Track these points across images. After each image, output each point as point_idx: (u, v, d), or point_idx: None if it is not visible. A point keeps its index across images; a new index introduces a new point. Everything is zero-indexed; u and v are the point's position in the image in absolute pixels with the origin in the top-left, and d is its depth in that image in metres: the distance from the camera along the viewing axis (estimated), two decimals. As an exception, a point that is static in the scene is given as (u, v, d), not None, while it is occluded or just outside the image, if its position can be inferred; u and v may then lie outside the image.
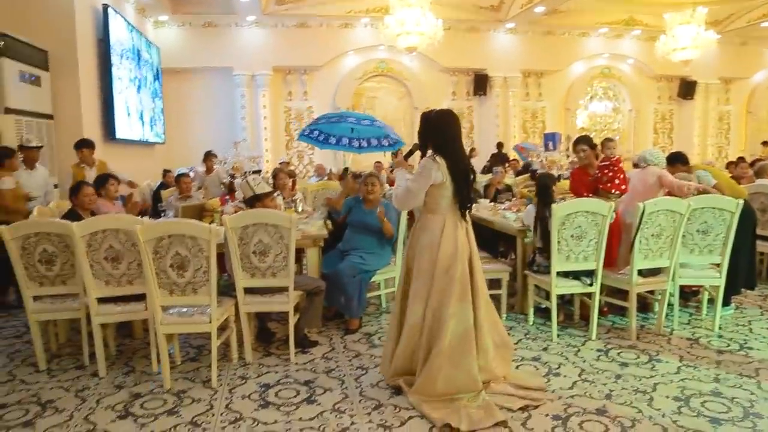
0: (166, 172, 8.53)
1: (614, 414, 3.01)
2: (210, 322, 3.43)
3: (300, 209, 5.45)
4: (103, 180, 4.95)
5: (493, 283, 4.35)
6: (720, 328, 4.35)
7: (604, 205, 4.00)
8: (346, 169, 7.18)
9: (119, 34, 8.95)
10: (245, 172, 5.45)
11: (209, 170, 8.19)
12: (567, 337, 4.19)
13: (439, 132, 3.15)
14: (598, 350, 3.94)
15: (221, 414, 3.09)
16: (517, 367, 3.64)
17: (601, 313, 4.37)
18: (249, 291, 3.78)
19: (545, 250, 4.22)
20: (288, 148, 13.03)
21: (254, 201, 4.00)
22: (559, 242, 3.99)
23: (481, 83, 13.73)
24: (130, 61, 9.51)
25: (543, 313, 4.51)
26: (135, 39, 9.80)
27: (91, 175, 5.94)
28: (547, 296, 4.22)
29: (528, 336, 4.25)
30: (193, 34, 11.98)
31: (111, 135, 8.49)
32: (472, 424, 2.85)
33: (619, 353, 3.89)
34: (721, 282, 4.31)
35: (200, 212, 4.93)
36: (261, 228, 3.61)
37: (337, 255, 4.62)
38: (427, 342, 3.13)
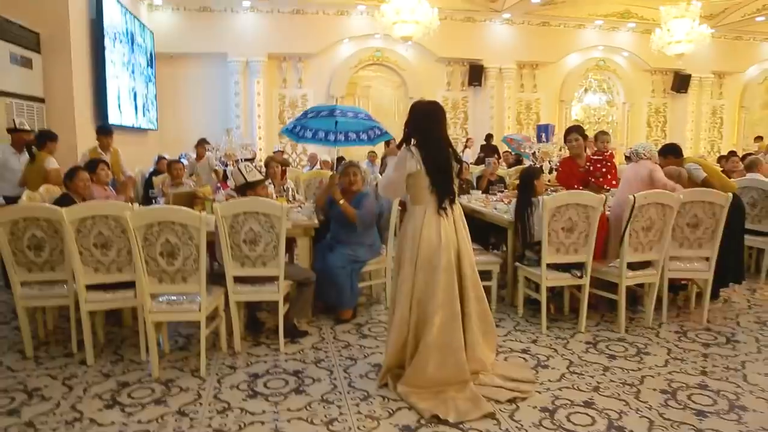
0: (160, 158, 8.47)
1: (601, 406, 3.03)
2: (199, 310, 3.42)
3: (292, 198, 5.43)
4: (94, 165, 4.91)
5: (484, 275, 4.33)
6: (708, 322, 4.38)
7: (595, 198, 4.00)
8: (340, 158, 7.14)
9: (113, 17, 8.83)
10: (237, 160, 5.40)
11: (200, 157, 8.14)
12: (556, 330, 4.21)
13: (417, 123, 3.16)
14: (587, 343, 3.97)
15: (209, 404, 3.09)
16: (505, 359, 3.66)
17: (592, 307, 4.38)
18: (239, 280, 3.76)
19: (524, 242, 4.26)
20: (281, 136, 12.96)
21: (246, 189, 3.98)
22: (549, 234, 4.00)
23: (476, 74, 13.69)
24: (123, 45, 9.39)
25: (533, 304, 4.53)
26: (129, 22, 9.69)
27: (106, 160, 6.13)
28: (537, 288, 4.24)
29: (517, 328, 4.27)
30: (188, 19, 11.85)
31: (103, 119, 8.40)
32: (459, 415, 2.86)
33: (607, 346, 3.91)
34: (710, 276, 4.34)
35: (191, 199, 4.89)
36: (252, 216, 3.58)
37: (326, 247, 4.58)
38: (414, 335, 3.14)
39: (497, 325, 3.96)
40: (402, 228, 3.27)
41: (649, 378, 3.39)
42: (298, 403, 3.09)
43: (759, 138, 13.88)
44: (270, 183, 5.20)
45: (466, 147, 12.53)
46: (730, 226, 4.38)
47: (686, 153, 13.80)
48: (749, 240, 5.62)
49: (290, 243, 4.68)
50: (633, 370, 3.50)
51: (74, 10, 7.64)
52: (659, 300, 4.39)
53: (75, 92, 7.60)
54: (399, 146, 3.33)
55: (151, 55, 11.18)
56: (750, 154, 7.75)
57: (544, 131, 10.66)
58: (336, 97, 12.69)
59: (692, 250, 4.34)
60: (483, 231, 5.20)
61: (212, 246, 3.83)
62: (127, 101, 9.61)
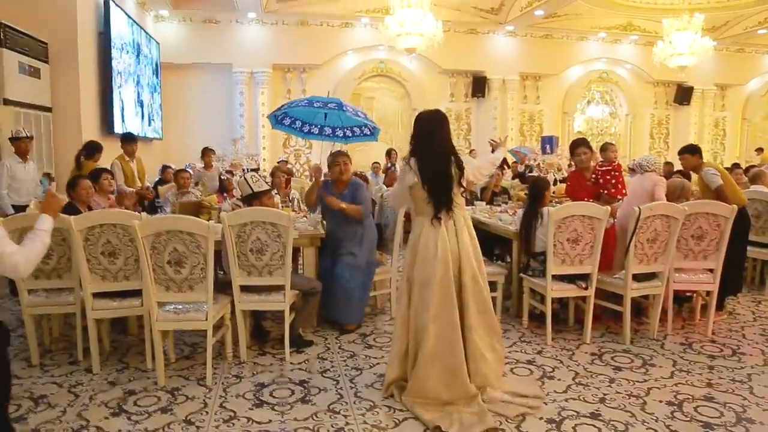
0: (165, 167, 8.51)
1: (608, 418, 3.02)
2: (206, 319, 3.43)
3: (296, 208, 5.45)
4: (97, 174, 4.94)
5: (488, 286, 4.35)
6: (713, 334, 4.37)
7: (600, 209, 4.02)
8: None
9: (120, 27, 8.91)
10: (243, 170, 5.43)
11: (208, 166, 8.17)
12: (561, 341, 4.21)
13: (417, 133, 3.18)
14: (592, 354, 3.96)
15: (215, 412, 3.09)
16: (511, 370, 3.66)
17: (596, 318, 4.38)
18: (245, 289, 3.77)
19: (528, 252, 4.27)
20: (285, 146, 13.01)
21: (252, 199, 4.00)
22: (555, 245, 4.01)
23: (479, 85, 13.74)
24: (129, 56, 9.47)
25: (537, 316, 4.53)
26: (135, 33, 9.77)
27: (132, 167, 6.75)
28: (542, 299, 4.24)
29: (523, 339, 4.26)
30: (194, 30, 11.94)
31: (109, 129, 8.46)
32: (463, 428, 2.85)
33: (613, 357, 3.90)
34: (715, 287, 4.34)
35: (197, 208, 4.92)
36: (259, 226, 3.60)
37: (327, 257, 4.52)
38: (413, 346, 3.15)
39: (502, 336, 3.95)
40: (408, 240, 3.30)
41: (655, 390, 3.39)
42: (305, 412, 3.09)
43: (759, 150, 13.91)
44: (276, 193, 5.22)
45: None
46: (736, 238, 4.38)
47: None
48: (754, 252, 5.63)
49: (295, 253, 4.69)
50: (639, 382, 3.49)
51: (82, 21, 7.71)
52: (664, 311, 4.39)
53: (82, 102, 7.65)
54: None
55: (156, 65, 11.26)
56: (753, 167, 7.76)
57: (548, 143, 10.67)
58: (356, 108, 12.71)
59: (697, 261, 4.34)
60: (487, 242, 5.20)
61: (217, 255, 3.84)
62: (132, 111, 9.67)
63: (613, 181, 4.47)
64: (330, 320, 4.52)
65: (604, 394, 3.31)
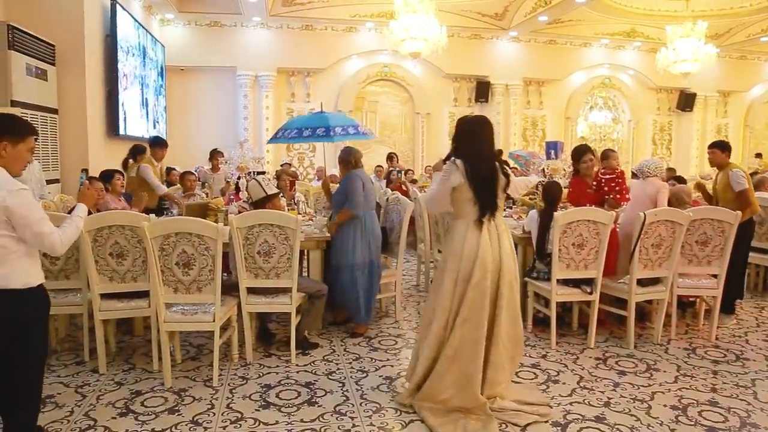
0: (169, 170, 8.53)
1: (613, 422, 3.04)
2: (213, 321, 3.45)
3: (302, 210, 5.47)
4: (109, 175, 4.98)
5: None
6: (717, 339, 4.39)
7: (606, 215, 4.04)
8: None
9: (126, 30, 8.95)
10: (250, 173, 5.45)
11: (215, 168, 8.18)
12: (565, 345, 4.23)
13: (462, 137, 3.18)
14: (597, 358, 3.98)
15: (222, 413, 3.11)
16: (516, 374, 3.66)
17: (599, 322, 4.39)
18: (251, 291, 3.80)
19: (541, 254, 4.27)
20: (289, 150, 13.04)
21: (264, 201, 4.03)
22: (560, 250, 4.03)
23: (482, 90, 13.78)
24: (135, 58, 9.51)
25: (542, 320, 4.54)
26: (141, 36, 9.81)
27: (157, 171, 6.75)
28: (547, 303, 4.26)
29: (527, 342, 4.27)
30: (199, 34, 11.99)
31: (115, 131, 8.49)
32: None
33: (617, 361, 3.92)
34: (719, 293, 4.36)
35: (204, 211, 4.94)
36: (266, 228, 3.63)
37: (334, 268, 4.49)
38: (437, 348, 3.10)
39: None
40: (445, 242, 3.26)
41: (660, 394, 3.40)
42: (311, 414, 3.11)
43: (758, 155, 13.93)
44: (282, 196, 5.24)
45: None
46: (738, 244, 4.39)
47: (692, 171, 13.67)
48: (758, 258, 5.64)
49: (301, 255, 4.71)
50: (643, 386, 3.51)
51: (89, 24, 7.75)
52: (668, 316, 4.41)
53: (88, 104, 7.68)
54: (445, 161, 3.27)
55: (162, 68, 11.31)
56: (756, 173, 7.78)
57: (553, 148, 10.67)
58: (343, 113, 12.76)
59: (701, 267, 4.36)
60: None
61: (224, 257, 3.86)
62: (138, 113, 9.71)
63: (617, 188, 4.49)
64: (338, 323, 4.54)
65: (609, 398, 3.33)
